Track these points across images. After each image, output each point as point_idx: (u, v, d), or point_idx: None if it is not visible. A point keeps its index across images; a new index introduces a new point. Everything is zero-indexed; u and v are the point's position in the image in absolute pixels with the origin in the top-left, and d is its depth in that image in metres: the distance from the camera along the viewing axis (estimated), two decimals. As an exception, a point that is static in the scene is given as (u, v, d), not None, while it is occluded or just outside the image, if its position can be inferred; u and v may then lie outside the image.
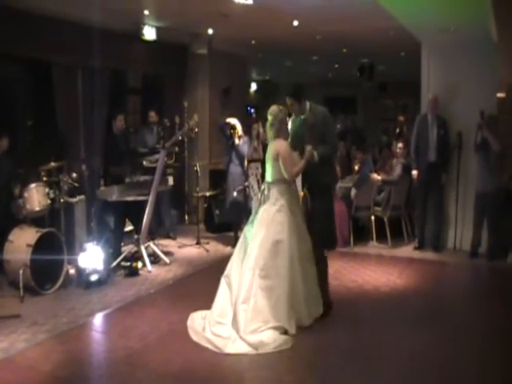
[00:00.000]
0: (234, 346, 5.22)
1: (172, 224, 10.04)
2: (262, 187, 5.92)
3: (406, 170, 9.58)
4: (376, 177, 9.70)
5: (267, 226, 5.64)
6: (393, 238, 9.34)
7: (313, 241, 5.76)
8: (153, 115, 9.69)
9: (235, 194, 9.05)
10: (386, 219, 9.32)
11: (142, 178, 8.34)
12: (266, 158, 5.88)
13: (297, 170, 5.73)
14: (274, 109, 5.84)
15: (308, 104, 5.95)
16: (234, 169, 9.26)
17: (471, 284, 7.94)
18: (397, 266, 8.18)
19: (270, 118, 5.84)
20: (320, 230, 5.81)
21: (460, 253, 8.91)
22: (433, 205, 9.07)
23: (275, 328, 5.37)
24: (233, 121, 9.19)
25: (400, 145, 9.85)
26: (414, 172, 9.07)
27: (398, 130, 11.77)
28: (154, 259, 8.22)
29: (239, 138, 9.10)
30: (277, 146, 5.77)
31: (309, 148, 5.70)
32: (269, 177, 5.84)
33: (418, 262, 8.51)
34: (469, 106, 8.65)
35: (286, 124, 5.89)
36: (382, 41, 10.93)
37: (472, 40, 8.22)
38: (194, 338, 5.49)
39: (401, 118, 12.59)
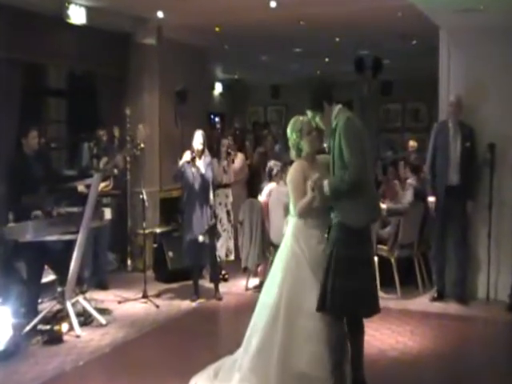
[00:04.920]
0: None
1: (106, 271, 10.12)
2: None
3: (420, 195, 9.51)
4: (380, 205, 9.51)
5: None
6: (403, 286, 9.29)
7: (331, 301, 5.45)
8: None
9: (201, 237, 9.02)
10: (393, 261, 9.25)
11: (68, 211, 8.19)
12: None
13: (300, 205, 5.63)
14: (291, 122, 5.89)
15: (337, 108, 5.60)
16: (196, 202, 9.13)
17: (511, 347, 7.82)
18: (408, 323, 8.10)
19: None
20: (338, 287, 5.38)
21: (495, 305, 8.84)
22: (456, 242, 8.99)
23: None
24: (197, 137, 9.07)
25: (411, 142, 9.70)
26: (431, 199, 8.99)
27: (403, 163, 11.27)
28: (85, 319, 8.08)
29: (193, 162, 8.91)
30: (290, 170, 5.92)
31: (314, 177, 5.51)
32: None
33: (436, 317, 8.46)
34: (503, 109, 8.70)
35: (311, 138, 5.77)
36: (386, 25, 11.02)
37: (508, 23, 8.22)
38: None
39: (412, 144, 11.99)
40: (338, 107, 5.57)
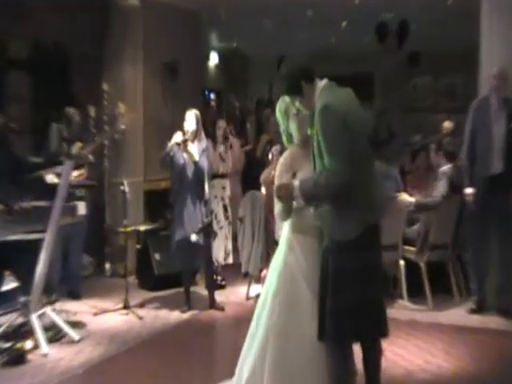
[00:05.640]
0: None
1: (79, 276, 10.15)
2: None
3: (455, 186, 9.47)
4: (406, 198, 9.55)
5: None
6: (435, 295, 9.29)
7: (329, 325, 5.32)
8: None
9: (194, 237, 8.97)
10: (422, 265, 9.25)
11: (33, 205, 8.14)
12: None
13: (276, 212, 5.67)
14: (277, 103, 5.89)
15: (321, 86, 5.37)
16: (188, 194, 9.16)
17: None
18: (441, 340, 8.05)
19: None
20: (331, 306, 5.21)
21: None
22: (499, 242, 8.93)
23: None
24: (189, 118, 9.07)
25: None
26: (468, 191, 8.91)
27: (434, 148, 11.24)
28: (54, 335, 8.07)
29: (185, 146, 8.82)
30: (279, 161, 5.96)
31: (279, 184, 5.48)
32: None
33: (475, 332, 8.39)
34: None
35: (299, 120, 5.69)
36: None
37: None
38: None
39: (447, 125, 12.06)
40: (322, 84, 5.33)
